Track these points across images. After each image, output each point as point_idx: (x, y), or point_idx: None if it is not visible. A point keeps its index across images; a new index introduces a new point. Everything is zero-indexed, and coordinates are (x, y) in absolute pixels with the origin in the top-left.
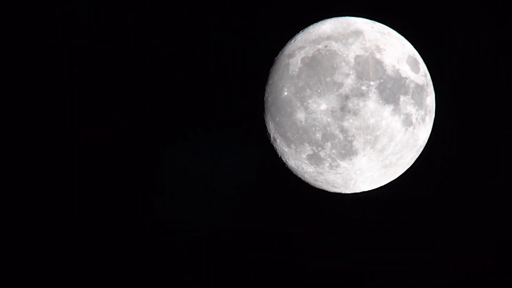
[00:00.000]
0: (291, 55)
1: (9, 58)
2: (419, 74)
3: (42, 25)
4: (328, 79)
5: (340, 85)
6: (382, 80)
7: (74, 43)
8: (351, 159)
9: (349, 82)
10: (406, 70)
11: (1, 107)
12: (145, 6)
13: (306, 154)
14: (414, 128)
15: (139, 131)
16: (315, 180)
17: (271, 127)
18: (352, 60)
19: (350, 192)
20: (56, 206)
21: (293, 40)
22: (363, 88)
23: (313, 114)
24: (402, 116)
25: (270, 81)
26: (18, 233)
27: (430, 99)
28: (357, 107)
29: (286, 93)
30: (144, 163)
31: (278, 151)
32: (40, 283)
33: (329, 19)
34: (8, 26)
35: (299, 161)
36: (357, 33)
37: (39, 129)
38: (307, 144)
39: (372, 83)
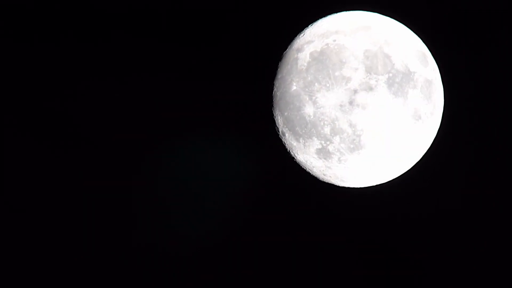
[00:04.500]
0: (299, 49)
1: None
2: (428, 68)
3: (39, 23)
4: (336, 73)
5: (349, 79)
6: (390, 74)
7: (70, 45)
8: (359, 153)
9: (358, 76)
10: (415, 64)
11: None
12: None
13: (314, 148)
14: (422, 122)
15: (141, 124)
16: (323, 174)
17: (280, 122)
18: (361, 54)
19: (358, 186)
20: (51, 209)
21: (302, 34)
22: (372, 82)
23: (322, 108)
24: (410, 110)
25: (278, 75)
26: (14, 234)
27: (438, 93)
28: (365, 101)
29: (294, 87)
30: (148, 159)
31: (286, 145)
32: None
33: (338, 13)
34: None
35: (307, 155)
36: (366, 28)
37: (31, 133)
38: (315, 138)
39: (380, 77)
